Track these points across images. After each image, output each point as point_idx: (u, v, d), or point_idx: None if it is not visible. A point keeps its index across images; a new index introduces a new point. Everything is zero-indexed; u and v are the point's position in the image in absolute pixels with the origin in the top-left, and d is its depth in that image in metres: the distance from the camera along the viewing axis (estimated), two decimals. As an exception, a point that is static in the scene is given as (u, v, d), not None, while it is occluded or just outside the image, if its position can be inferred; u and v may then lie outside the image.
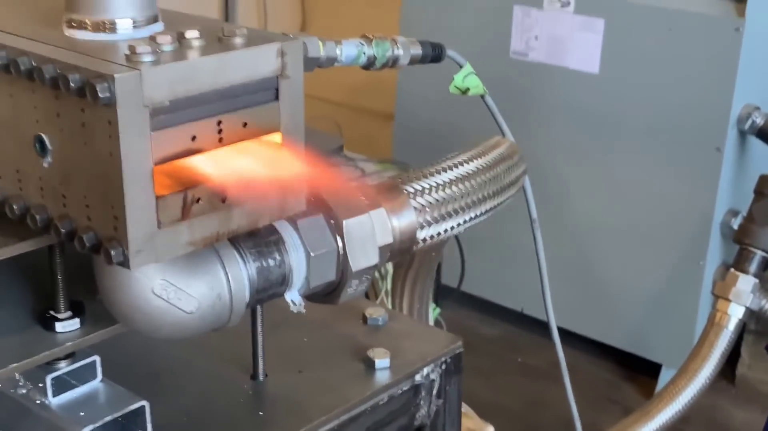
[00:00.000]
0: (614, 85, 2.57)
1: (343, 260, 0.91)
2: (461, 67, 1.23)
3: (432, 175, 1.00)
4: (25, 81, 0.73)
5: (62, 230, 0.75)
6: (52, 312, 0.87)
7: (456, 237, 2.85)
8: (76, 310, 0.88)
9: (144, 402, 0.90)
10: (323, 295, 0.94)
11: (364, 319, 1.14)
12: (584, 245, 2.72)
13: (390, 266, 2.26)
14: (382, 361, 1.05)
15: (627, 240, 2.65)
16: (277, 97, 0.77)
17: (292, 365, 1.06)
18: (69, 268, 0.87)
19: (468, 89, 1.23)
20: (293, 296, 0.90)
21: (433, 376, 1.08)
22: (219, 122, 0.74)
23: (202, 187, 0.74)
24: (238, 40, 0.75)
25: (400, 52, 1.15)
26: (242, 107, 0.76)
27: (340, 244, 0.90)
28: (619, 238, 2.66)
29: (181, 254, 0.76)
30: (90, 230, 0.73)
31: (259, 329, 1.02)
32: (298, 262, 0.88)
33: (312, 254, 0.88)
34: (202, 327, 0.83)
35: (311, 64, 1.07)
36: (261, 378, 1.03)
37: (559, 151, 2.69)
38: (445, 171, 1.01)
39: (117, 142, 0.68)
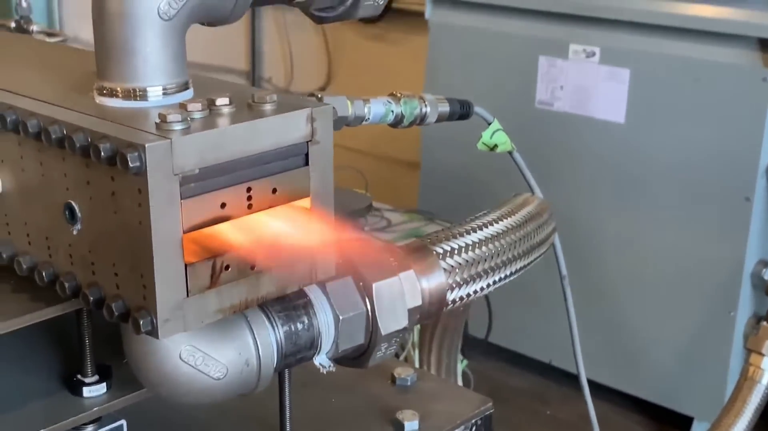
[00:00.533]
0: (641, 135, 2.55)
1: (372, 324, 0.89)
2: (489, 123, 1.22)
3: (461, 235, 0.99)
4: (56, 149, 0.73)
5: (91, 298, 0.74)
6: (79, 376, 0.86)
7: (483, 288, 2.83)
8: (103, 374, 0.87)
9: (170, 468, 0.89)
10: (352, 358, 0.93)
11: (393, 379, 1.13)
12: (612, 295, 2.69)
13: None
14: (411, 423, 1.03)
15: (656, 291, 2.61)
16: (307, 163, 0.77)
17: (320, 427, 1.04)
18: (96, 331, 0.86)
19: (496, 146, 1.22)
20: (322, 360, 0.89)
21: (462, 438, 1.06)
22: (248, 189, 0.74)
23: (231, 254, 0.74)
24: (268, 107, 0.74)
25: (427, 110, 1.14)
26: (272, 174, 0.75)
27: (369, 307, 0.89)
28: (648, 288, 2.62)
29: (210, 322, 0.75)
30: (118, 299, 0.73)
31: (287, 392, 1.00)
32: (327, 325, 0.87)
33: (341, 317, 0.87)
34: (229, 392, 0.82)
35: (339, 123, 1.06)
36: (288, 441, 1.01)
37: (584, 201, 2.67)
38: (475, 231, 1.00)
39: (147, 210, 0.68)
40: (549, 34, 2.64)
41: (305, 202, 0.78)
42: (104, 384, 0.86)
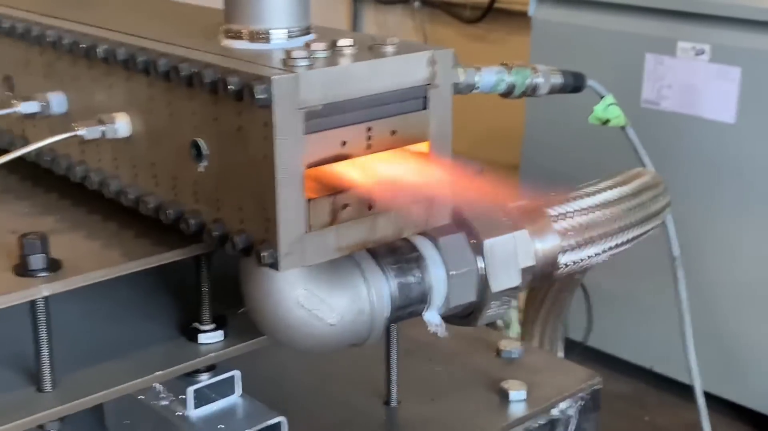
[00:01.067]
0: (752, 136, 2.48)
1: (483, 281, 0.89)
2: (602, 97, 1.21)
3: (576, 199, 0.98)
4: (184, 88, 0.75)
5: (215, 234, 0.76)
6: (196, 324, 0.88)
7: (584, 289, 2.78)
8: (220, 324, 0.89)
9: (282, 418, 0.90)
10: (461, 317, 0.93)
11: (498, 352, 1.12)
12: (719, 301, 2.61)
13: (515, 315, 2.21)
14: (517, 393, 1.02)
15: (763, 296, 2.52)
16: (425, 107, 0.77)
17: (425, 393, 1.04)
18: (214, 282, 0.88)
19: (609, 120, 1.20)
20: (432, 316, 0.89)
21: (570, 412, 1.05)
22: (369, 129, 0.75)
23: (350, 193, 0.75)
24: (389, 49, 0.75)
25: (540, 80, 1.13)
26: (392, 115, 0.76)
27: (481, 264, 0.89)
28: (755, 294, 2.54)
29: (328, 260, 0.76)
30: (242, 233, 0.74)
31: (394, 354, 1.01)
32: (438, 280, 0.87)
33: (452, 272, 0.87)
34: (342, 341, 0.83)
35: (451, 90, 1.07)
36: (394, 403, 1.01)
37: (693, 203, 2.60)
38: (589, 196, 0.99)
39: (272, 144, 0.69)
40: (656, 31, 2.59)
41: (423, 146, 0.78)
42: (220, 332, 0.88)
